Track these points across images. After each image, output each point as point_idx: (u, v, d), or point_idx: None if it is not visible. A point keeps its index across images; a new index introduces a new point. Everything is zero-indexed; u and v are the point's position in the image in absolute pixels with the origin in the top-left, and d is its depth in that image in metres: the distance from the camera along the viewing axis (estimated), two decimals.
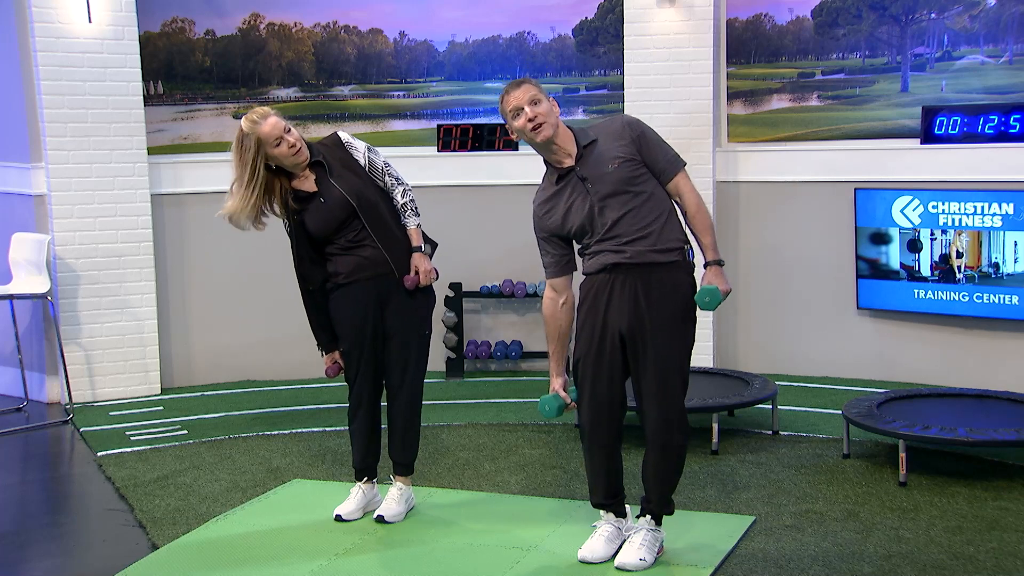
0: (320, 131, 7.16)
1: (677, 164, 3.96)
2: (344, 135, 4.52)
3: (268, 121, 4.27)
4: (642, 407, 3.98)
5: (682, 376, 3.97)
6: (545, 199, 4.00)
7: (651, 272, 3.88)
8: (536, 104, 3.85)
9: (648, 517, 4.07)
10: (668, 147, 3.98)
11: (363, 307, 4.45)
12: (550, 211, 3.97)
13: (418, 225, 4.52)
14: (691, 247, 3.99)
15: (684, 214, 3.98)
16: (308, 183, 4.41)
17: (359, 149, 4.48)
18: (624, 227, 3.87)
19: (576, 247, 4.05)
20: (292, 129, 4.34)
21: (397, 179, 4.51)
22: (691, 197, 3.96)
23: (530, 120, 3.84)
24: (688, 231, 4.00)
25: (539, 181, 4.09)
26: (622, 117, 4.03)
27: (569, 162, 3.92)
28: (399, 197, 4.50)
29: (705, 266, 3.94)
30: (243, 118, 4.32)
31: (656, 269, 3.88)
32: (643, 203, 3.88)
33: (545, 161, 3.99)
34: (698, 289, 3.91)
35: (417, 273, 4.46)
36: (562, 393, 4.08)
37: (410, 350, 4.52)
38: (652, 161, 3.93)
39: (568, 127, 3.96)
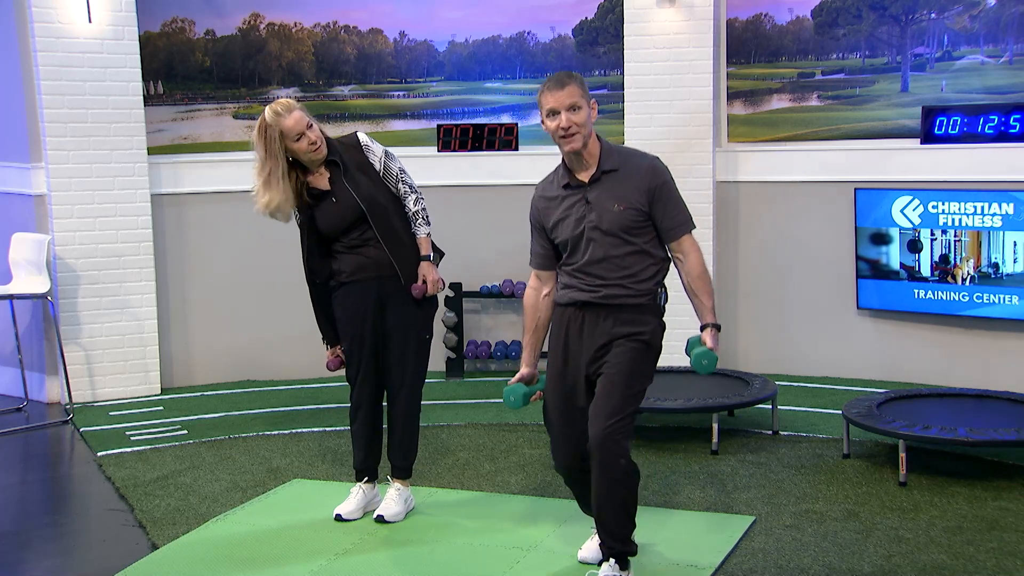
0: None
1: (686, 227, 3.83)
2: (363, 137, 4.51)
3: (292, 115, 4.26)
4: (587, 426, 3.79)
5: (627, 394, 3.74)
6: (546, 196, 3.91)
7: (620, 311, 3.79)
8: (574, 111, 3.71)
9: (612, 561, 3.81)
10: (682, 206, 3.83)
11: (364, 307, 4.46)
12: (546, 209, 3.90)
13: (428, 234, 4.51)
14: (664, 292, 3.86)
15: (686, 274, 3.84)
16: (322, 180, 4.41)
17: (376, 153, 4.48)
18: (603, 270, 3.78)
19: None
20: (314, 125, 4.33)
21: (411, 187, 4.51)
22: (695, 258, 3.82)
23: (564, 128, 3.72)
24: (686, 292, 3.87)
25: (537, 181, 4.04)
26: (651, 161, 3.83)
27: (584, 178, 3.80)
28: (411, 205, 4.49)
29: (702, 328, 3.82)
30: (267, 108, 4.30)
31: (625, 308, 3.80)
32: (630, 253, 3.78)
33: (563, 161, 3.87)
34: (696, 351, 3.77)
35: (424, 282, 4.46)
36: (527, 383, 3.98)
37: (408, 353, 4.52)
38: (660, 218, 3.79)
39: (599, 139, 3.82)
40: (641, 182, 3.77)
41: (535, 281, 4.00)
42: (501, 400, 6.57)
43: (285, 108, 4.27)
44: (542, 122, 3.82)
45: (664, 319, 3.88)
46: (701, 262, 3.84)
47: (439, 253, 4.60)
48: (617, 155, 3.82)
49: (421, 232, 4.50)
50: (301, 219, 4.46)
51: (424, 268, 4.48)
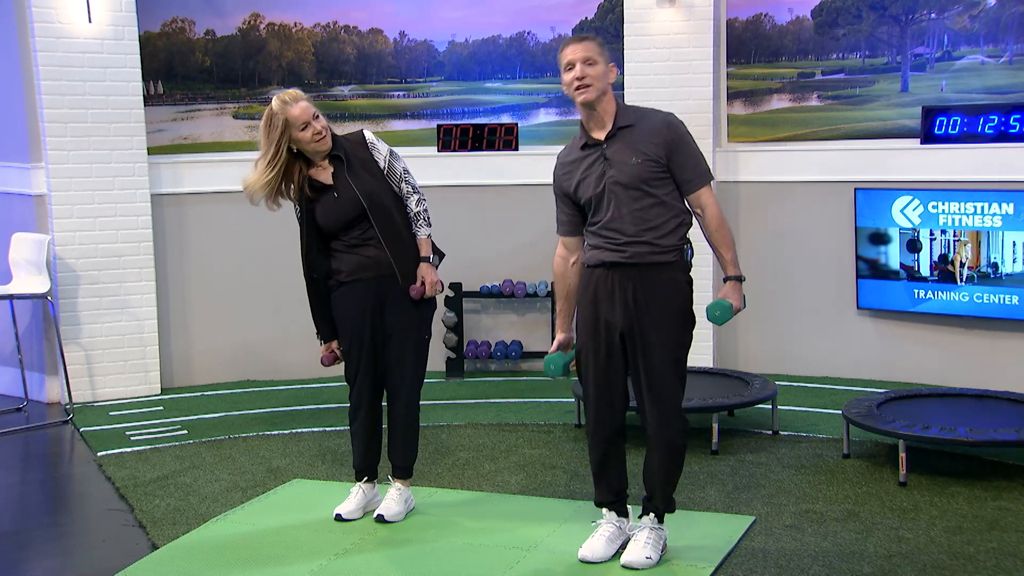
0: None
1: (704, 178, 3.93)
2: (369, 134, 4.53)
3: (299, 105, 4.31)
4: (641, 406, 4.01)
5: (679, 373, 3.99)
6: (567, 161, 4.01)
7: (648, 271, 3.90)
8: (590, 64, 3.83)
9: (652, 516, 4.08)
10: (700, 158, 3.94)
11: (363, 307, 4.46)
12: (568, 174, 3.99)
13: (429, 235, 4.52)
14: (690, 247, 3.99)
15: (705, 228, 3.97)
16: (325, 175, 4.42)
17: (381, 151, 4.49)
18: (626, 224, 3.87)
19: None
20: (320, 116, 4.38)
21: (413, 187, 4.52)
22: (713, 211, 3.94)
23: (578, 79, 3.83)
24: (708, 244, 4.00)
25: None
26: (666, 115, 3.96)
27: (600, 136, 3.91)
28: (413, 205, 4.50)
29: (725, 280, 3.98)
30: (274, 97, 4.36)
31: (653, 268, 3.90)
32: (651, 206, 3.88)
33: (581, 123, 3.98)
34: (709, 304, 3.93)
35: (423, 284, 4.47)
36: (564, 348, 4.12)
37: (408, 353, 4.51)
38: (679, 169, 3.90)
39: (616, 100, 3.94)
40: (657, 136, 3.88)
41: (562, 249, 4.12)
42: (501, 400, 6.63)
43: (292, 98, 4.33)
44: (563, 82, 3.91)
45: (691, 274, 4.01)
46: (719, 214, 3.96)
47: (439, 255, 4.60)
48: (632, 112, 3.94)
49: (422, 233, 4.51)
50: (301, 214, 4.47)
51: (423, 269, 4.48)
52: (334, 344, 4.60)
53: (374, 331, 4.49)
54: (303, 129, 4.32)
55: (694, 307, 4.02)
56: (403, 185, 4.49)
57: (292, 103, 4.31)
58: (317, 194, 4.42)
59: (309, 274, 4.53)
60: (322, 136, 4.36)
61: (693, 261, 4.02)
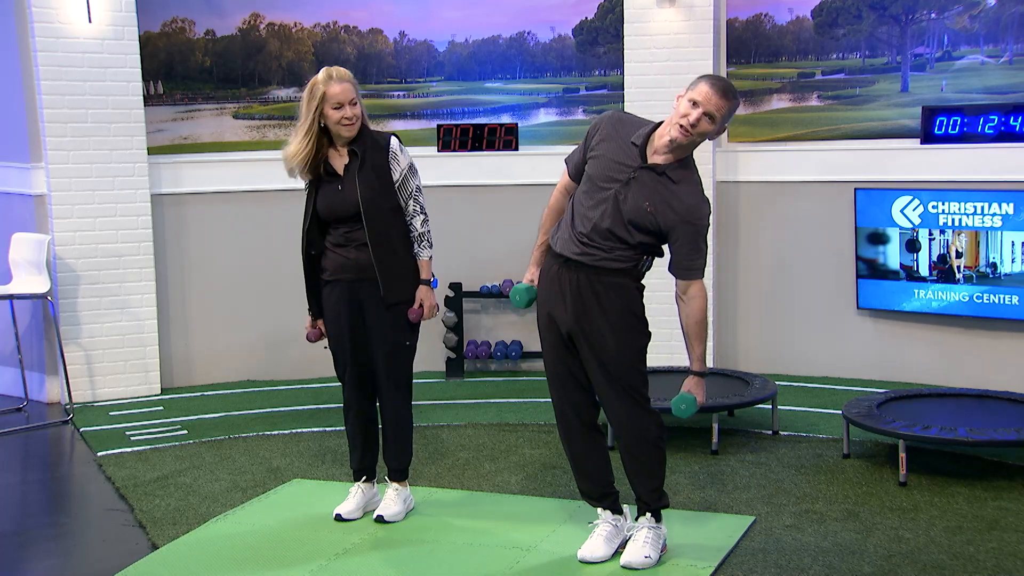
0: None
1: (698, 273, 3.88)
2: (395, 143, 4.48)
3: (341, 84, 4.32)
4: (605, 407, 4.04)
5: (635, 370, 3.95)
6: (618, 130, 3.91)
7: (598, 272, 3.90)
8: (709, 119, 3.76)
9: (648, 515, 4.08)
10: (702, 254, 3.86)
11: (343, 308, 4.46)
12: (606, 138, 3.91)
13: (430, 258, 4.52)
14: (648, 260, 3.96)
15: (685, 316, 3.91)
16: (339, 163, 4.43)
17: (401, 164, 4.46)
18: (598, 237, 3.87)
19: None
20: (358, 104, 4.37)
21: (421, 207, 4.50)
22: (698, 304, 3.87)
23: (691, 123, 3.75)
24: (682, 332, 3.94)
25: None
26: (701, 202, 3.85)
27: (651, 157, 3.84)
28: (418, 226, 4.48)
29: (688, 372, 3.94)
30: (323, 69, 4.37)
31: (604, 271, 3.90)
32: (624, 240, 3.86)
33: (655, 126, 3.89)
34: (674, 398, 3.90)
35: (421, 307, 4.47)
36: (536, 283, 4.12)
37: (390, 358, 4.49)
38: (678, 253, 3.86)
39: (691, 154, 3.87)
40: (681, 209, 3.82)
41: (563, 188, 4.10)
42: (501, 400, 6.63)
43: (339, 76, 4.34)
44: (680, 97, 3.84)
45: (643, 281, 4.00)
46: (703, 310, 3.90)
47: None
48: (684, 171, 3.86)
49: (424, 255, 4.49)
50: (309, 189, 4.48)
51: (422, 292, 4.48)
52: (321, 323, 4.61)
53: (354, 332, 4.49)
54: (336, 108, 4.31)
55: (645, 311, 3.98)
56: (411, 203, 4.47)
57: (336, 81, 4.31)
58: (327, 178, 4.43)
59: (307, 249, 4.52)
60: (351, 123, 4.35)
61: (648, 273, 4.00)
